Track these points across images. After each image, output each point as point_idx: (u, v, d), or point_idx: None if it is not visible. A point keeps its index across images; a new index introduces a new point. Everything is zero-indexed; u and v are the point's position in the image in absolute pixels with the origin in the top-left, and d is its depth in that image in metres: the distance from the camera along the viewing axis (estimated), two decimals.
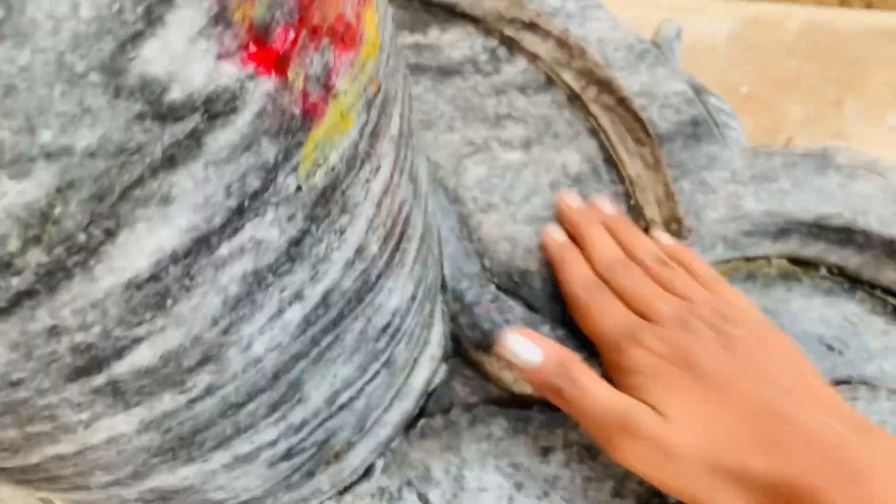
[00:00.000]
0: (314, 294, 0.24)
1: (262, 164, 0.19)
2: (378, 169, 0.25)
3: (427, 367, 0.38)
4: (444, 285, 0.39)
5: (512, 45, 0.50)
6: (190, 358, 0.22)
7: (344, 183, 0.23)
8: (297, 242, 0.22)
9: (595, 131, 0.45)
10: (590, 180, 0.44)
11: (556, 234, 0.41)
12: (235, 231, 0.20)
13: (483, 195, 0.44)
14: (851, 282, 0.39)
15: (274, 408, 0.27)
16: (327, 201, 0.22)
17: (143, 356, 0.20)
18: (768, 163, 0.40)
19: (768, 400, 0.29)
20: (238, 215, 0.19)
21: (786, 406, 0.28)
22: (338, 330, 0.27)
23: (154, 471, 0.27)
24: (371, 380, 0.32)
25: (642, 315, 0.34)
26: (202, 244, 0.19)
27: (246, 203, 0.19)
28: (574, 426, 0.36)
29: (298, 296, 0.24)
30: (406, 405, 0.37)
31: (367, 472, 0.37)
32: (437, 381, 0.39)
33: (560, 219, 0.41)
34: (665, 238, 0.39)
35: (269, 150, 0.19)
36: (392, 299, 0.30)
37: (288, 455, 0.31)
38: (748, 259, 0.40)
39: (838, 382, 0.36)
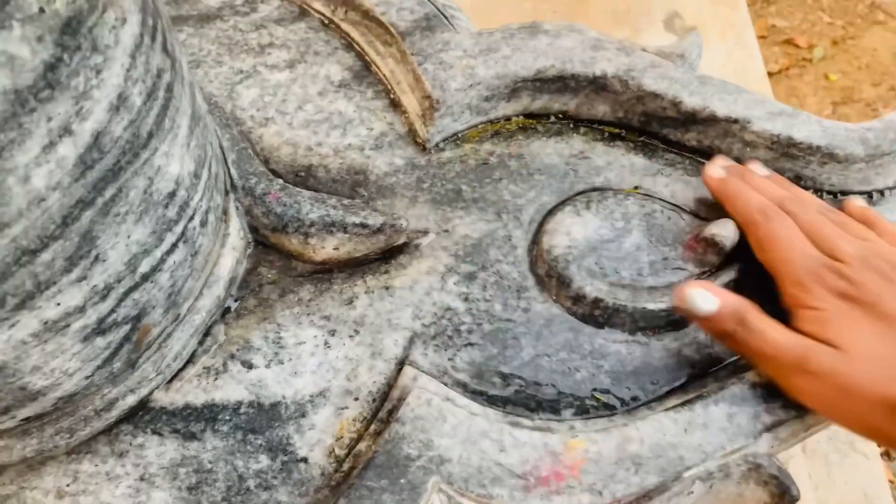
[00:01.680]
0: (84, 132, 0.27)
1: None
2: (124, 21, 0.28)
3: (231, 257, 0.41)
4: (234, 186, 0.43)
5: None
6: None
7: (89, 20, 0.26)
8: (52, 68, 0.25)
9: (350, 45, 0.51)
10: (353, 84, 0.49)
11: (715, 171, 0.40)
12: None
13: (259, 112, 0.48)
14: (575, 121, 0.47)
15: (71, 262, 0.29)
16: (75, 33, 0.26)
17: None
18: (491, 38, 0.47)
19: None
20: None
21: None
22: (119, 182, 0.30)
23: None
24: (170, 251, 0.35)
25: (825, 252, 0.35)
26: None
27: None
28: (372, 273, 0.41)
29: (67, 130, 0.26)
30: (216, 292, 0.40)
31: (192, 358, 0.39)
32: (242, 270, 0.42)
33: (715, 195, 0.41)
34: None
35: None
36: (171, 165, 0.33)
37: (100, 328, 0.33)
38: (492, 122, 0.48)
39: (578, 193, 0.44)
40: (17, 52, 0.23)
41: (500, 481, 0.33)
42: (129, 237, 0.32)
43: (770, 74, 1.61)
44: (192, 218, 0.36)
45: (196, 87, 0.38)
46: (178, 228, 0.35)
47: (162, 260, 0.35)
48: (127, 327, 0.34)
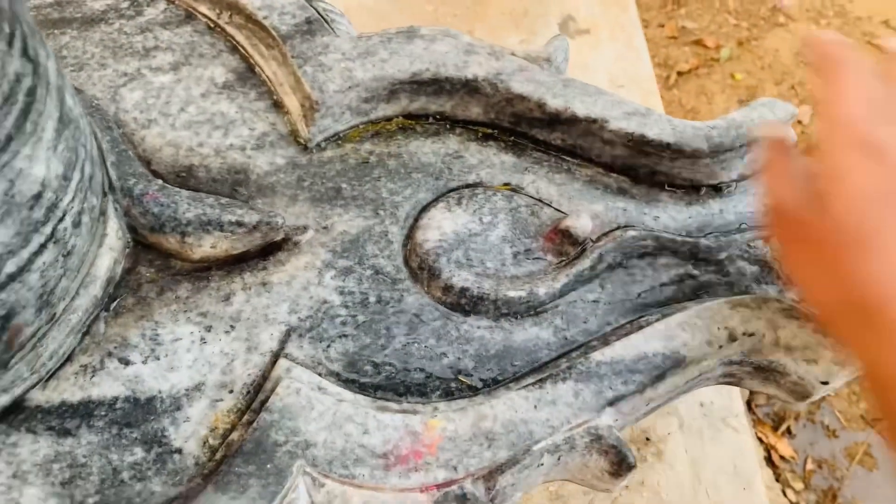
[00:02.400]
0: None
1: None
2: None
3: (108, 257, 0.42)
4: (112, 187, 0.43)
5: None
6: None
7: None
8: None
9: (235, 48, 0.52)
10: (236, 85, 0.50)
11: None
12: None
13: (142, 114, 0.48)
14: (452, 122, 0.50)
15: None
16: None
17: None
18: (369, 42, 0.49)
19: None
20: None
21: None
22: None
23: None
24: (38, 252, 0.35)
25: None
26: None
27: None
28: (250, 270, 0.43)
29: None
30: (93, 291, 0.41)
31: (70, 357, 0.40)
32: (120, 269, 0.43)
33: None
34: None
35: None
36: (35, 167, 0.34)
37: None
38: (373, 122, 0.50)
39: (451, 190, 0.46)
40: None
41: (363, 462, 0.35)
42: None
43: (680, 74, 1.68)
44: (61, 219, 0.37)
45: (67, 91, 0.39)
46: (47, 230, 0.36)
47: (30, 261, 0.35)
48: None
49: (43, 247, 0.36)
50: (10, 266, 0.34)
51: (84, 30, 0.52)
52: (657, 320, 0.41)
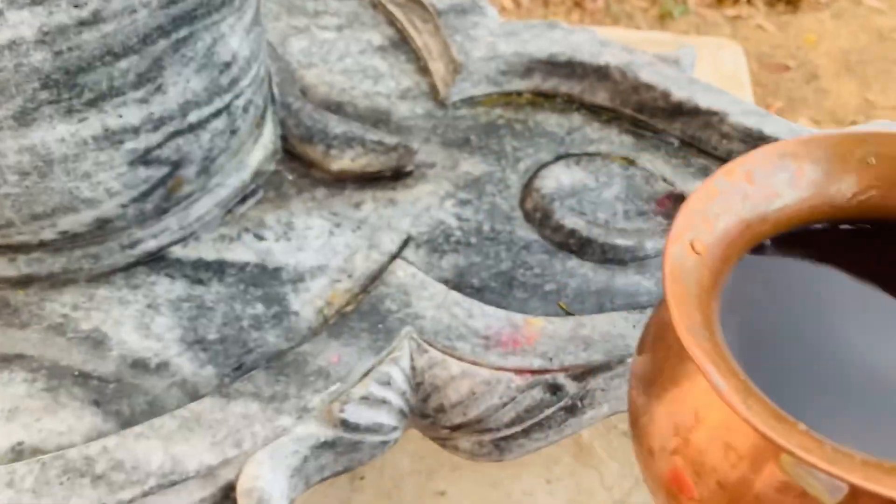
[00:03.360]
0: None
1: None
2: None
3: (261, 153, 0.47)
4: (273, 100, 0.49)
5: None
6: None
7: None
8: None
9: (392, 23, 0.59)
10: (389, 49, 0.56)
11: None
12: None
13: (305, 58, 0.55)
14: (578, 104, 0.54)
15: (140, 81, 0.35)
16: None
17: None
18: (514, 25, 0.55)
19: None
20: None
21: None
22: (192, 28, 0.36)
23: (38, 115, 0.33)
24: (215, 115, 0.41)
25: None
26: None
27: None
28: (381, 188, 0.47)
29: None
30: (243, 176, 0.45)
31: (211, 226, 0.44)
32: (269, 167, 0.47)
33: None
34: None
35: None
36: (232, 39, 0.40)
37: (146, 158, 0.38)
38: (505, 94, 0.54)
39: (561, 156, 0.49)
40: None
41: (465, 338, 0.37)
42: (187, 82, 0.38)
43: None
44: (238, 96, 0.42)
45: (260, 2, 0.45)
46: (226, 98, 0.41)
47: (207, 119, 0.40)
48: (166, 169, 0.40)
49: (220, 112, 0.41)
50: (193, 116, 0.39)
51: None
52: None
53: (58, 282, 0.41)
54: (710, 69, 0.95)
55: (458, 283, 0.42)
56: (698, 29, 1.94)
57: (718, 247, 0.27)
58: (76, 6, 0.31)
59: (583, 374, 0.36)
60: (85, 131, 0.35)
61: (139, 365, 0.37)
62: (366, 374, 0.35)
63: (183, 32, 0.36)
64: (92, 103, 0.34)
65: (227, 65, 0.40)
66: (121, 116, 0.36)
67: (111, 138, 0.36)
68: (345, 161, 0.47)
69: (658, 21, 1.96)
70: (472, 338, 0.37)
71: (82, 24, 0.32)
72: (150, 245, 0.42)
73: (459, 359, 0.36)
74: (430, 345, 0.36)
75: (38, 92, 0.33)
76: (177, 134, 0.39)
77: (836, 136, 0.27)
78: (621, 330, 0.38)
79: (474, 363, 0.36)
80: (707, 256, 0.27)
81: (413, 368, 0.36)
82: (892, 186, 0.27)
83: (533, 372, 0.36)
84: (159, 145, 0.38)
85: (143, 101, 0.36)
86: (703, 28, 1.96)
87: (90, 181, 0.37)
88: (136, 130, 0.37)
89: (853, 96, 1.97)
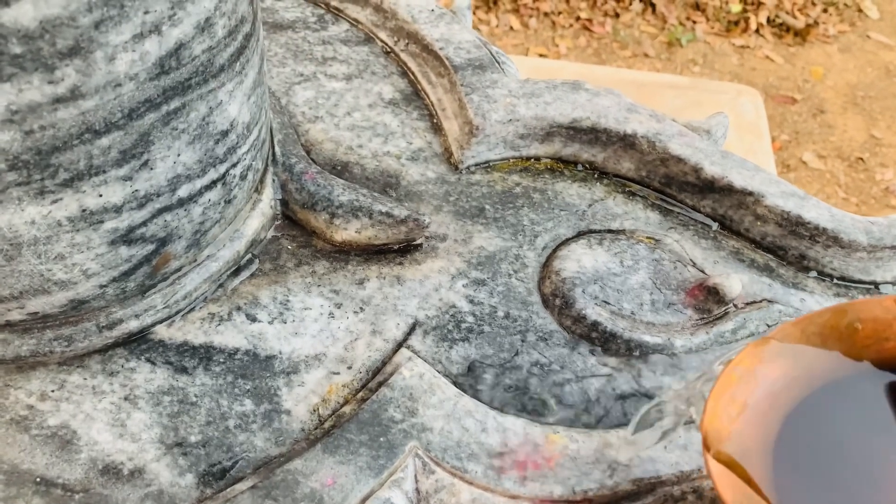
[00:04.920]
0: (170, 37, 0.30)
1: None
2: None
3: (258, 220, 0.43)
4: (275, 161, 0.45)
5: (337, 14, 0.59)
6: (63, 38, 0.26)
7: None
8: None
9: (405, 73, 0.55)
10: (401, 104, 0.53)
11: None
12: None
13: (311, 111, 0.51)
14: (601, 173, 0.50)
15: (124, 157, 0.31)
16: None
17: (25, 13, 0.25)
18: (535, 86, 0.51)
19: None
20: None
21: None
22: (185, 98, 0.33)
23: (4, 197, 0.29)
24: (209, 187, 0.37)
25: None
26: None
27: None
28: (387, 262, 0.43)
29: (157, 29, 0.29)
30: (237, 247, 0.41)
31: (200, 304, 0.40)
32: (266, 236, 0.44)
33: None
34: None
35: None
36: (231, 105, 0.36)
37: (128, 237, 0.34)
38: (523, 159, 0.50)
39: (583, 233, 0.46)
40: None
41: (477, 458, 0.33)
42: (178, 155, 0.34)
43: None
44: (235, 165, 0.38)
45: (265, 58, 0.41)
46: (222, 169, 0.37)
47: (200, 192, 0.37)
48: (151, 247, 0.36)
49: (214, 184, 0.37)
50: (184, 190, 0.35)
51: (273, 32, 0.57)
52: None
53: (25, 365, 0.37)
54: (729, 116, 0.92)
55: (470, 380, 0.38)
56: (706, 57, 1.91)
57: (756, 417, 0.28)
58: (51, 82, 0.27)
59: (609, 503, 0.32)
60: (59, 212, 0.31)
61: (110, 471, 0.33)
62: (364, 500, 0.31)
63: (175, 104, 0.32)
64: (67, 183, 0.30)
65: (225, 133, 0.36)
66: (101, 196, 0.32)
67: (89, 219, 0.32)
68: (350, 232, 0.43)
69: (666, 48, 1.94)
70: (486, 457, 0.33)
71: (58, 101, 0.28)
72: (132, 325, 0.38)
73: (470, 483, 0.32)
74: (438, 464, 0.32)
75: (4, 174, 0.29)
76: (165, 210, 0.35)
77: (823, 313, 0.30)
78: (651, 451, 0.34)
79: (487, 489, 0.32)
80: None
81: (417, 492, 0.32)
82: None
83: (553, 501, 0.32)
84: (144, 223, 0.35)
85: (127, 178, 0.32)
86: (710, 57, 1.94)
87: (64, 263, 0.33)
88: (117, 209, 0.33)
89: (859, 132, 1.94)
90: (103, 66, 0.28)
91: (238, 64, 0.35)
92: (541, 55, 1.93)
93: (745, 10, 2.01)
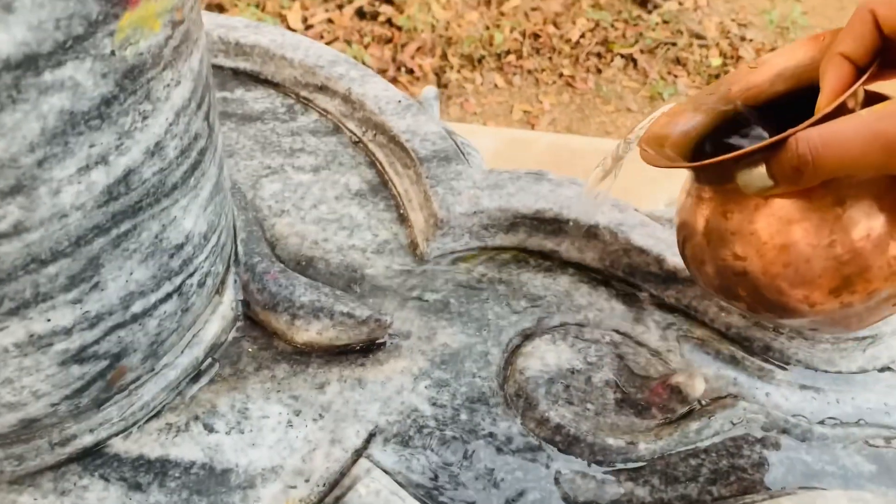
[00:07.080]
0: (118, 166, 0.30)
1: (86, 15, 0.26)
2: (178, 83, 0.32)
3: (218, 324, 0.43)
4: (237, 261, 0.45)
5: (307, 105, 0.60)
6: (4, 179, 0.27)
7: (149, 73, 0.30)
8: (107, 102, 0.29)
9: (372, 163, 0.56)
10: (368, 195, 0.53)
11: None
12: (59, 64, 0.26)
13: (277, 204, 0.51)
14: (565, 263, 0.50)
15: (72, 282, 0.31)
16: (135, 79, 0.29)
17: None
18: (499, 177, 0.52)
19: None
20: (63, 50, 0.26)
21: None
22: (136, 220, 0.33)
23: None
24: (164, 300, 0.37)
25: None
26: (31, 63, 0.25)
27: (70, 42, 0.26)
28: (349, 363, 0.42)
29: (104, 160, 0.30)
30: (196, 353, 0.41)
31: (158, 413, 0.40)
32: (227, 339, 0.43)
33: None
34: None
35: (92, 7, 0.26)
36: (186, 220, 0.36)
37: (80, 356, 0.34)
38: (488, 249, 0.51)
39: (558, 325, 0.46)
40: (82, 80, 0.27)
41: None
42: (130, 274, 0.34)
43: None
44: (192, 275, 0.38)
45: (225, 165, 0.42)
46: (178, 280, 0.37)
47: (154, 306, 0.36)
48: (104, 363, 0.36)
49: (169, 296, 0.37)
50: (138, 306, 0.35)
51: (241, 124, 0.57)
52: (762, 501, 0.38)
53: None
54: None
55: (431, 492, 0.37)
56: None
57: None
58: None
59: None
60: (5, 339, 0.31)
61: None
62: None
63: (125, 227, 0.32)
64: (13, 312, 0.30)
65: (180, 246, 0.36)
66: (49, 321, 0.32)
67: (37, 343, 0.32)
68: (311, 333, 0.43)
69: (648, 101, 1.97)
70: None
71: (1, 237, 0.28)
72: (86, 440, 0.37)
73: None
74: None
75: None
76: (118, 327, 0.35)
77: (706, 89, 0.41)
78: None
79: None
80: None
81: None
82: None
83: None
84: (97, 341, 0.34)
85: (77, 301, 0.32)
86: None
87: (12, 386, 0.33)
88: (67, 332, 0.33)
89: None
90: (48, 200, 0.28)
91: (192, 179, 0.36)
92: (525, 111, 1.96)
93: (724, 64, 2.05)
